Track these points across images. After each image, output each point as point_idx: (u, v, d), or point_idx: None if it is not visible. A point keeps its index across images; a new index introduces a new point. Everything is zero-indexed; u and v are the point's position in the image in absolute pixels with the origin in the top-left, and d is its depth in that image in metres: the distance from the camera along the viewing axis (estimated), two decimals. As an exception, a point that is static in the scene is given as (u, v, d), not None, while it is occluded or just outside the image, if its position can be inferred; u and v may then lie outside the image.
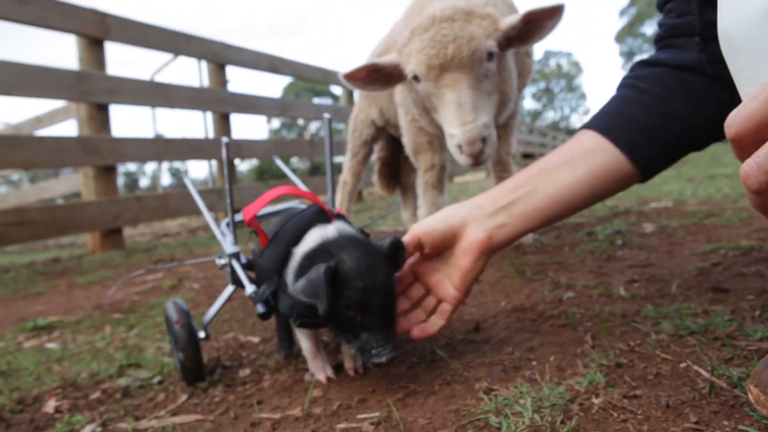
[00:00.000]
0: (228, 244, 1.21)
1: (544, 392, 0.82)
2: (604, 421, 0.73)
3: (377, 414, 0.87)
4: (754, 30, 0.42)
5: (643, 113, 1.03)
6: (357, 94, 2.60)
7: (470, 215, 1.02)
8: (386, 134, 2.53)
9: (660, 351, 0.93)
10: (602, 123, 1.06)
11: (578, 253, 1.89)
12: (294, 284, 0.96)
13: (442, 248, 1.03)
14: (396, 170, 2.79)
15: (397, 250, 0.98)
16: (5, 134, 4.04)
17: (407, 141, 1.97)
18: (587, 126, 1.08)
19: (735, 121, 0.44)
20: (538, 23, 1.48)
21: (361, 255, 0.93)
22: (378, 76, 1.60)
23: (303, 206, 1.21)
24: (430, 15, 1.46)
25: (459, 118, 1.39)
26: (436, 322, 1.02)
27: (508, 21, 1.47)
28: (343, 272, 0.91)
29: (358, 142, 2.49)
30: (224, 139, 1.14)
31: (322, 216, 1.09)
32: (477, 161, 1.42)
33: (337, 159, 8.92)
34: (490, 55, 1.45)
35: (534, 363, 0.97)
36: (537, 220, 1.02)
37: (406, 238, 1.02)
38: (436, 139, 1.90)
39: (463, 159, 1.43)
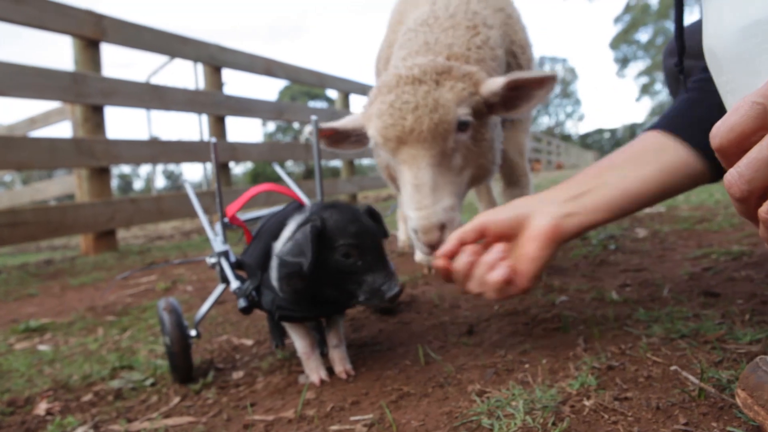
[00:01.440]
0: (218, 243, 1.22)
1: (536, 394, 0.83)
2: (595, 422, 0.74)
3: (370, 416, 0.87)
4: (736, 47, 0.44)
5: (712, 114, 1.03)
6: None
7: (538, 205, 1.02)
8: None
9: (651, 354, 0.94)
10: (671, 123, 1.05)
11: (572, 258, 1.90)
12: (276, 276, 1.01)
13: (507, 236, 1.01)
14: None
15: (372, 213, 1.05)
16: (-1, 135, 4.03)
17: None
18: (653, 127, 1.08)
19: (719, 132, 0.46)
20: (525, 91, 1.27)
21: (342, 210, 0.99)
22: (346, 136, 1.45)
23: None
24: (395, 73, 1.27)
25: (415, 202, 1.18)
26: None
27: (490, 86, 1.26)
28: (331, 227, 0.96)
29: None
30: (212, 140, 1.15)
31: (300, 209, 1.11)
32: (434, 250, 1.16)
33: (334, 162, 8.92)
34: (462, 125, 1.23)
35: (526, 366, 0.98)
36: (606, 213, 1.00)
37: (469, 225, 1.03)
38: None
39: (419, 246, 1.22)
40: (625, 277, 1.56)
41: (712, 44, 0.46)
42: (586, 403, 0.79)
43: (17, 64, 3.12)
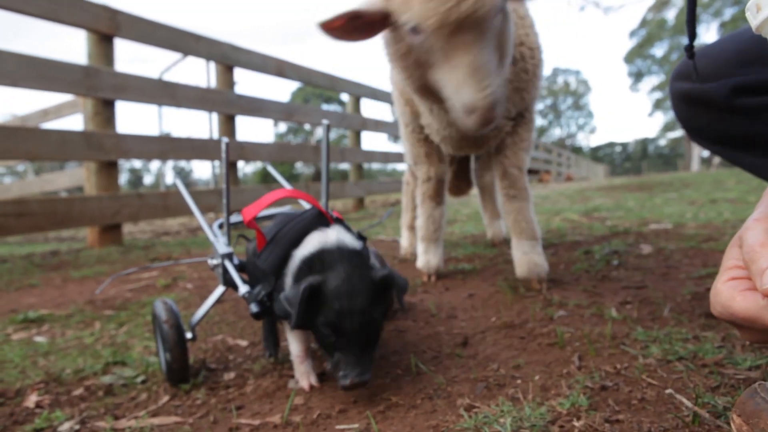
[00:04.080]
0: (221, 245, 1.21)
1: (525, 412, 0.81)
2: (583, 444, 0.72)
3: (356, 425, 0.86)
4: None
5: None
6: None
7: None
8: None
9: (646, 375, 0.92)
10: None
11: (573, 272, 1.88)
12: (291, 287, 0.99)
13: None
14: (462, 173, 2.70)
15: (386, 285, 0.99)
16: (9, 125, 4.06)
17: (406, 151, 1.95)
18: None
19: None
20: None
21: (348, 276, 0.95)
22: (358, 24, 1.38)
23: (298, 211, 1.21)
24: None
25: (476, 83, 1.21)
26: None
27: None
28: (326, 291, 0.93)
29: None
30: (224, 140, 1.14)
31: (322, 220, 1.10)
32: (488, 126, 1.25)
33: (342, 166, 8.93)
34: (501, 9, 1.30)
35: (518, 381, 0.96)
36: None
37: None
38: (435, 150, 1.88)
39: (471, 122, 1.26)
40: (626, 294, 1.53)
41: None
42: (576, 423, 0.77)
43: (29, 55, 3.14)
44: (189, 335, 1.17)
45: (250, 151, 4.85)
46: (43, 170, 12.09)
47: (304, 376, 1.07)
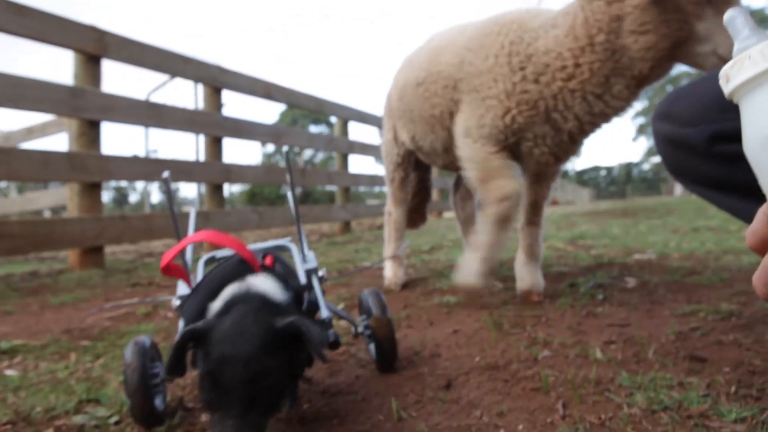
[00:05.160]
0: (182, 287, 1.14)
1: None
2: (567, 506, 0.70)
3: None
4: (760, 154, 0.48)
5: None
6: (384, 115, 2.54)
7: None
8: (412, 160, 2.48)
9: (631, 428, 0.91)
10: None
11: (559, 306, 1.87)
12: None
13: None
14: (420, 203, 2.72)
15: (295, 333, 0.83)
16: (-7, 144, 4.01)
17: (473, 168, 1.84)
18: None
19: (747, 236, 0.51)
20: None
21: (239, 320, 0.82)
22: None
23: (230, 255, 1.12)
24: None
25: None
26: None
27: None
28: (213, 338, 0.81)
29: (391, 167, 2.46)
30: (165, 174, 1.10)
31: (244, 268, 1.00)
32: None
33: (329, 187, 8.91)
34: None
35: (501, 431, 0.94)
36: None
37: None
38: (507, 165, 1.78)
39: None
40: (610, 332, 1.53)
41: (746, 148, 0.50)
42: (560, 481, 0.76)
43: (15, 75, 3.11)
44: (158, 376, 1.11)
45: (236, 173, 4.83)
46: (26, 188, 11.94)
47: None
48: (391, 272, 2.40)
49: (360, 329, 1.30)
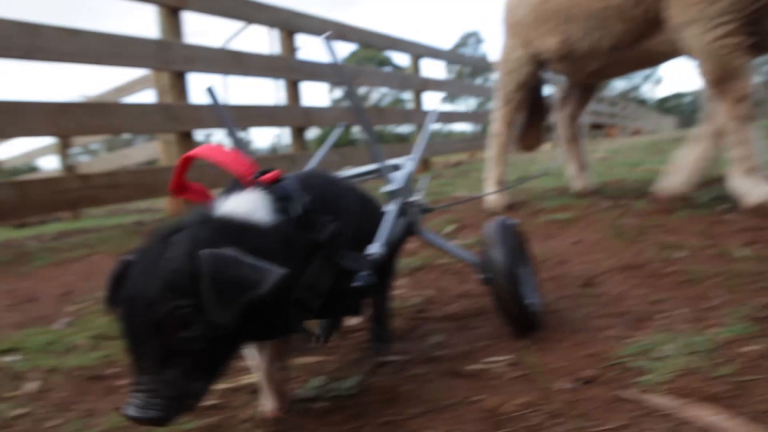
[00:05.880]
0: None
1: (691, 339, 0.79)
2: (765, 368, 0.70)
3: (512, 355, 0.86)
4: None
5: None
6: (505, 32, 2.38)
7: None
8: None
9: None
10: None
11: (678, 217, 1.80)
12: None
13: None
14: (537, 123, 2.60)
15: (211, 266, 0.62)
16: (93, 102, 4.25)
17: (710, 66, 1.68)
18: None
19: None
20: None
21: (159, 253, 0.64)
22: None
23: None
24: None
25: None
26: None
27: None
28: (127, 272, 0.65)
29: (512, 87, 2.34)
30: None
31: (236, 186, 0.82)
32: None
33: (402, 129, 8.85)
34: None
35: (664, 314, 0.93)
36: None
37: None
38: (744, 64, 1.63)
39: None
40: (746, 236, 1.45)
41: None
42: (746, 349, 0.74)
43: (109, 33, 3.25)
44: None
45: (317, 116, 4.89)
46: (115, 147, 12.64)
47: (270, 396, 0.81)
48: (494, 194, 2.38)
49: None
